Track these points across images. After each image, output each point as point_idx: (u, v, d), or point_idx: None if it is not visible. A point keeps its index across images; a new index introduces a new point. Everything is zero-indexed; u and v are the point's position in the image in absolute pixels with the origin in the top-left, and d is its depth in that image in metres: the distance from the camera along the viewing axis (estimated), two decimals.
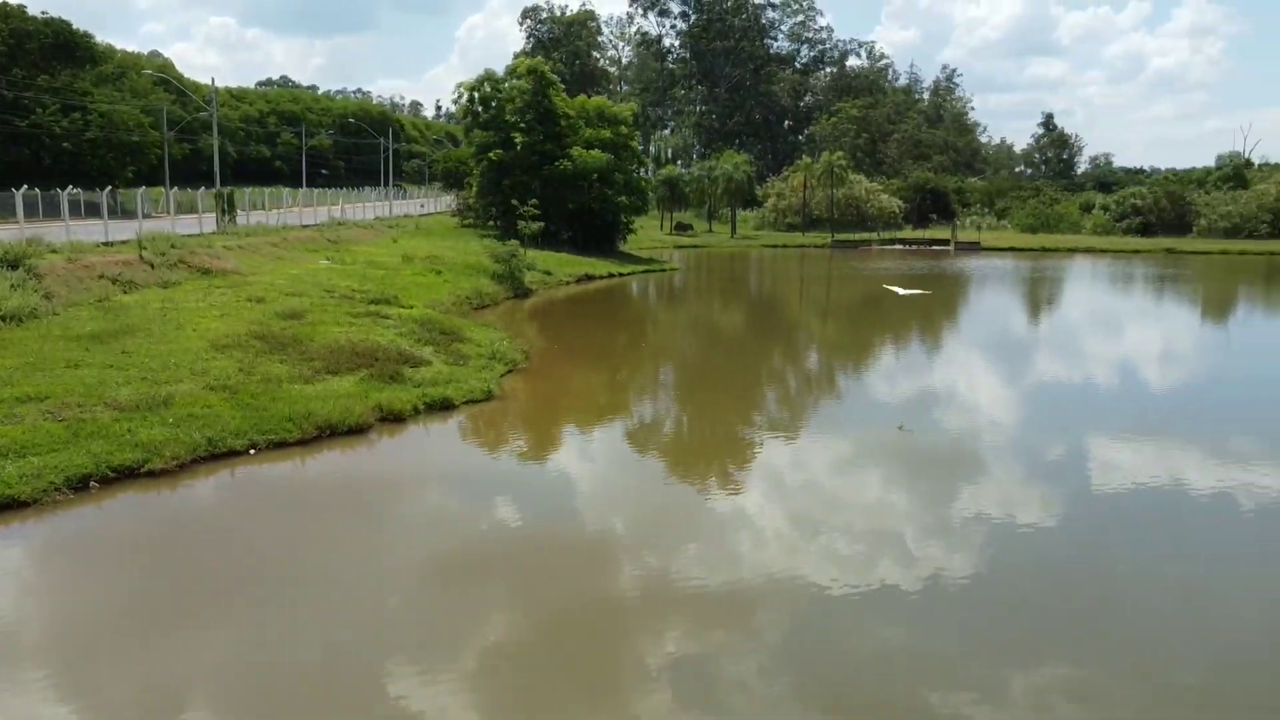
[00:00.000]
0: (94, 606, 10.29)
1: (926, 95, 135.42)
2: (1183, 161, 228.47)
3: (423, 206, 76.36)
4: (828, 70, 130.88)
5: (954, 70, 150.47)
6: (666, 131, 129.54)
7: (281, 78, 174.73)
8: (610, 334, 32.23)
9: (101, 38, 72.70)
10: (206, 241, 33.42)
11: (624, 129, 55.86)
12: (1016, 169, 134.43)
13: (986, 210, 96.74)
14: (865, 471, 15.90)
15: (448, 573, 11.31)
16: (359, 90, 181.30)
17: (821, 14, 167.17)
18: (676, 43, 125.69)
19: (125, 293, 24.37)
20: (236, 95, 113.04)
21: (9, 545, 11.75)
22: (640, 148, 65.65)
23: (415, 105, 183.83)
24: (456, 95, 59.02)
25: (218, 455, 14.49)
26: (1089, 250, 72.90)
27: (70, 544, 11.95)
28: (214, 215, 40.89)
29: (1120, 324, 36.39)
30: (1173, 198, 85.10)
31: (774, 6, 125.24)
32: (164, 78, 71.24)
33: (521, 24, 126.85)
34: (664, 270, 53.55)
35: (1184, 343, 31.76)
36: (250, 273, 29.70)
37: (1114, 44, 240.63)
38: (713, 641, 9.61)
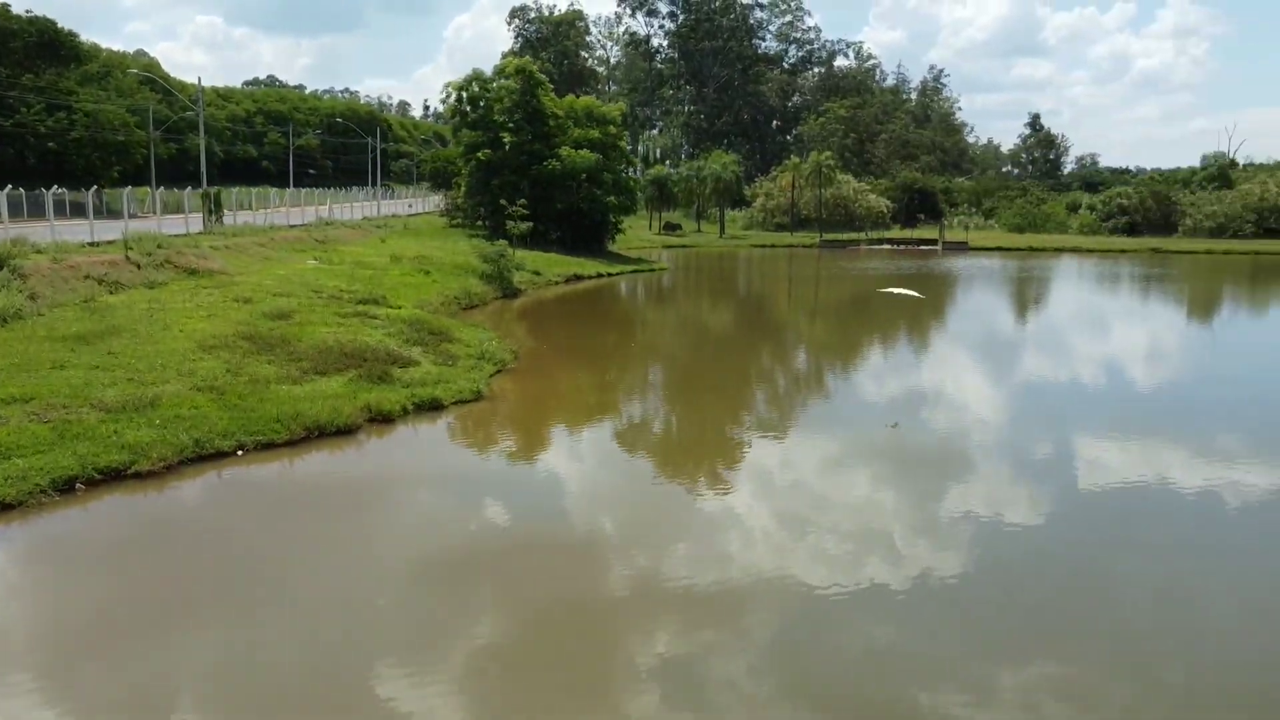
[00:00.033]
0: (81, 609, 10.23)
1: (914, 95, 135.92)
2: (1168, 162, 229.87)
3: (411, 206, 76.17)
4: (816, 70, 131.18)
5: (941, 71, 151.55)
6: (655, 131, 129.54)
7: (269, 77, 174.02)
8: (599, 334, 32.22)
9: (86, 36, 72.49)
10: (193, 242, 33.26)
11: (612, 129, 55.84)
12: (1003, 169, 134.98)
13: (974, 210, 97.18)
14: (854, 471, 15.94)
15: (437, 574, 11.29)
16: (346, 90, 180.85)
17: (809, 14, 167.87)
18: (665, 43, 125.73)
19: (111, 293, 24.24)
20: (223, 95, 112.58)
21: None
22: (629, 148, 65.66)
23: (403, 105, 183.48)
24: (445, 95, 58.96)
25: (205, 456, 14.42)
26: (1076, 250, 73.30)
27: (56, 546, 11.88)
28: (200, 215, 40.68)
29: (1107, 324, 36.60)
30: (1158, 198, 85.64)
31: (762, 7, 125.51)
32: (150, 77, 70.89)
33: (510, 24, 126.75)
34: (653, 270, 53.57)
35: (1170, 342, 31.96)
36: (237, 273, 29.57)
37: (1099, 45, 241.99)
38: (702, 641, 9.62)
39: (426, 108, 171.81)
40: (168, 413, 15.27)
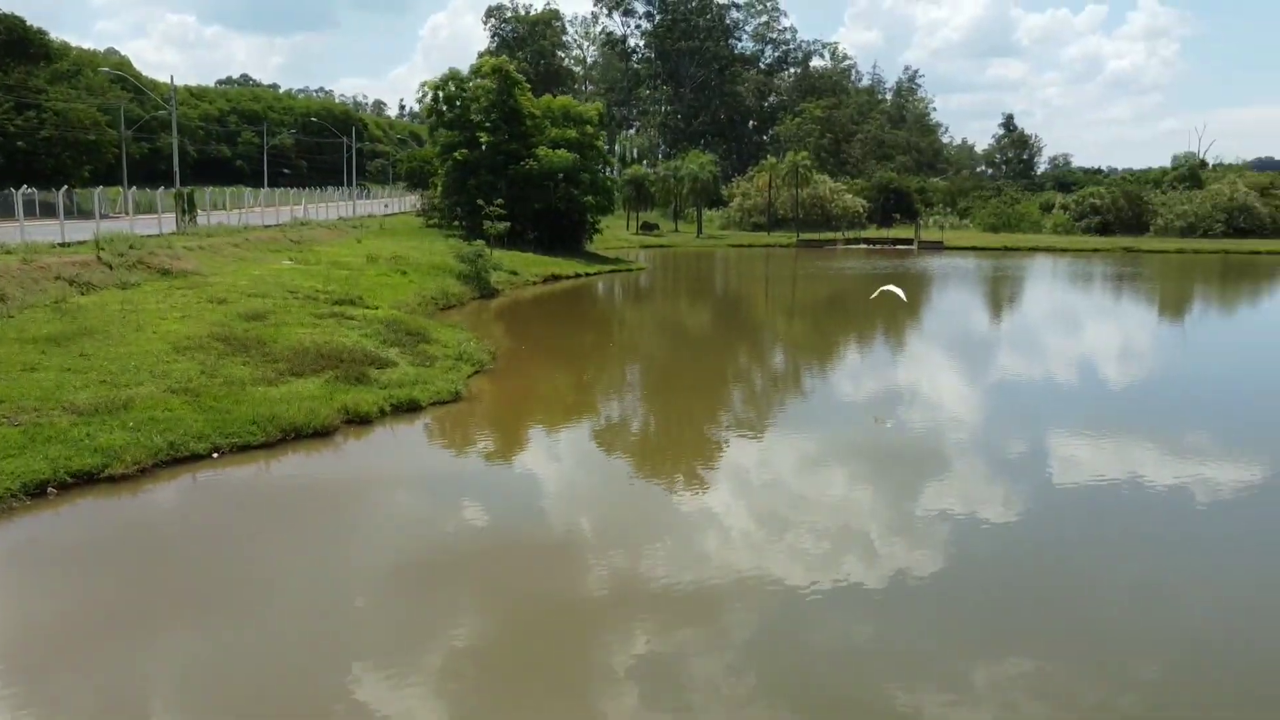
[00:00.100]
0: (52, 614, 10.10)
1: (889, 96, 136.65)
2: (1139, 162, 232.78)
3: (387, 206, 75.79)
4: (792, 71, 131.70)
5: (916, 71, 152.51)
6: (632, 131, 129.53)
7: (242, 76, 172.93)
8: (577, 334, 32.19)
9: (56, 34, 71.56)
10: (166, 242, 32.94)
11: (590, 129, 55.79)
12: (978, 169, 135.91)
13: (949, 210, 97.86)
14: (831, 469, 16.02)
15: (414, 575, 11.25)
16: (321, 89, 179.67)
17: (785, 15, 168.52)
18: (641, 43, 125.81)
19: (83, 294, 23.95)
20: (196, 94, 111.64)
21: None
22: (606, 147, 65.61)
23: (379, 104, 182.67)
24: (421, 94, 58.64)
25: (180, 459, 14.28)
26: (1050, 249, 74.02)
27: (28, 551, 11.73)
28: (174, 215, 40.29)
29: (1082, 323, 36.99)
30: (1130, 197, 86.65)
31: (738, 7, 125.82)
32: (121, 75, 70.10)
33: (486, 23, 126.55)
34: (630, 270, 53.59)
35: (1143, 341, 32.34)
36: (211, 273, 29.31)
37: (1072, 46, 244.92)
38: (681, 640, 9.64)
39: (402, 107, 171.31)
40: (141, 415, 15.11)
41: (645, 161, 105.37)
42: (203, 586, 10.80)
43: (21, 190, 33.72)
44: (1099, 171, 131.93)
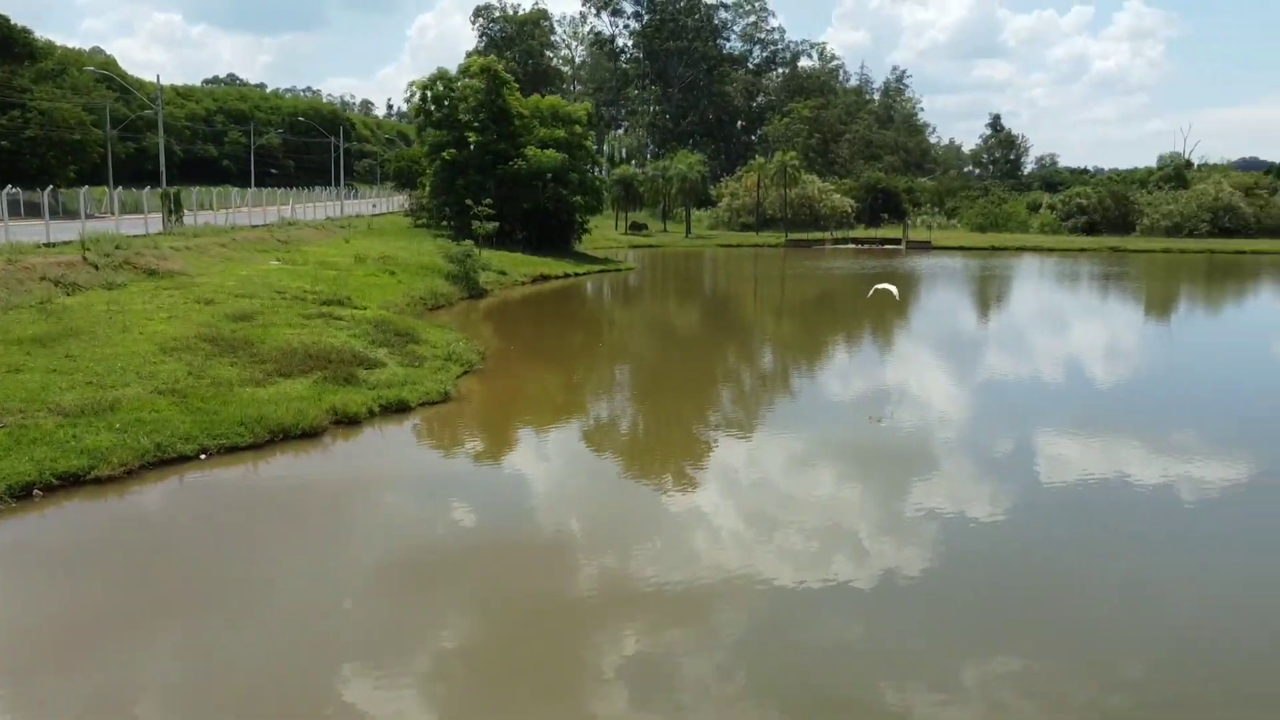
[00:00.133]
0: (39, 616, 10.04)
1: (877, 96, 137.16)
2: (1125, 162, 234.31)
3: (375, 206, 75.58)
4: (780, 71, 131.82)
5: (903, 71, 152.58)
6: (620, 131, 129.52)
7: (229, 75, 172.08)
8: (567, 334, 32.17)
9: (41, 33, 71.07)
10: (153, 242, 32.75)
11: (578, 128, 55.74)
12: (965, 169, 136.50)
13: (937, 210, 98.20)
14: (820, 469, 16.04)
15: (404, 576, 11.21)
16: (309, 89, 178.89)
17: (774, 15, 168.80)
18: (630, 42, 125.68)
19: (68, 295, 23.80)
20: (182, 93, 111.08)
21: None
22: (594, 147, 65.59)
23: (366, 104, 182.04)
24: (409, 94, 58.77)
25: (167, 461, 14.19)
26: (1037, 249, 74.39)
27: (14, 554, 11.65)
28: (160, 215, 40.07)
29: (1070, 322, 37.18)
30: (1116, 197, 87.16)
31: (726, 7, 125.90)
32: (106, 74, 69.69)
33: (474, 23, 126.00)
34: (619, 270, 53.57)
35: (1129, 340, 32.51)
36: (198, 274, 29.16)
37: (1058, 47, 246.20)
38: (671, 640, 9.64)
39: (390, 107, 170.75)
40: (128, 416, 15.02)
41: (634, 161, 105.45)
42: (190, 589, 10.75)
43: (6, 190, 33.44)
44: (1085, 171, 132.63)
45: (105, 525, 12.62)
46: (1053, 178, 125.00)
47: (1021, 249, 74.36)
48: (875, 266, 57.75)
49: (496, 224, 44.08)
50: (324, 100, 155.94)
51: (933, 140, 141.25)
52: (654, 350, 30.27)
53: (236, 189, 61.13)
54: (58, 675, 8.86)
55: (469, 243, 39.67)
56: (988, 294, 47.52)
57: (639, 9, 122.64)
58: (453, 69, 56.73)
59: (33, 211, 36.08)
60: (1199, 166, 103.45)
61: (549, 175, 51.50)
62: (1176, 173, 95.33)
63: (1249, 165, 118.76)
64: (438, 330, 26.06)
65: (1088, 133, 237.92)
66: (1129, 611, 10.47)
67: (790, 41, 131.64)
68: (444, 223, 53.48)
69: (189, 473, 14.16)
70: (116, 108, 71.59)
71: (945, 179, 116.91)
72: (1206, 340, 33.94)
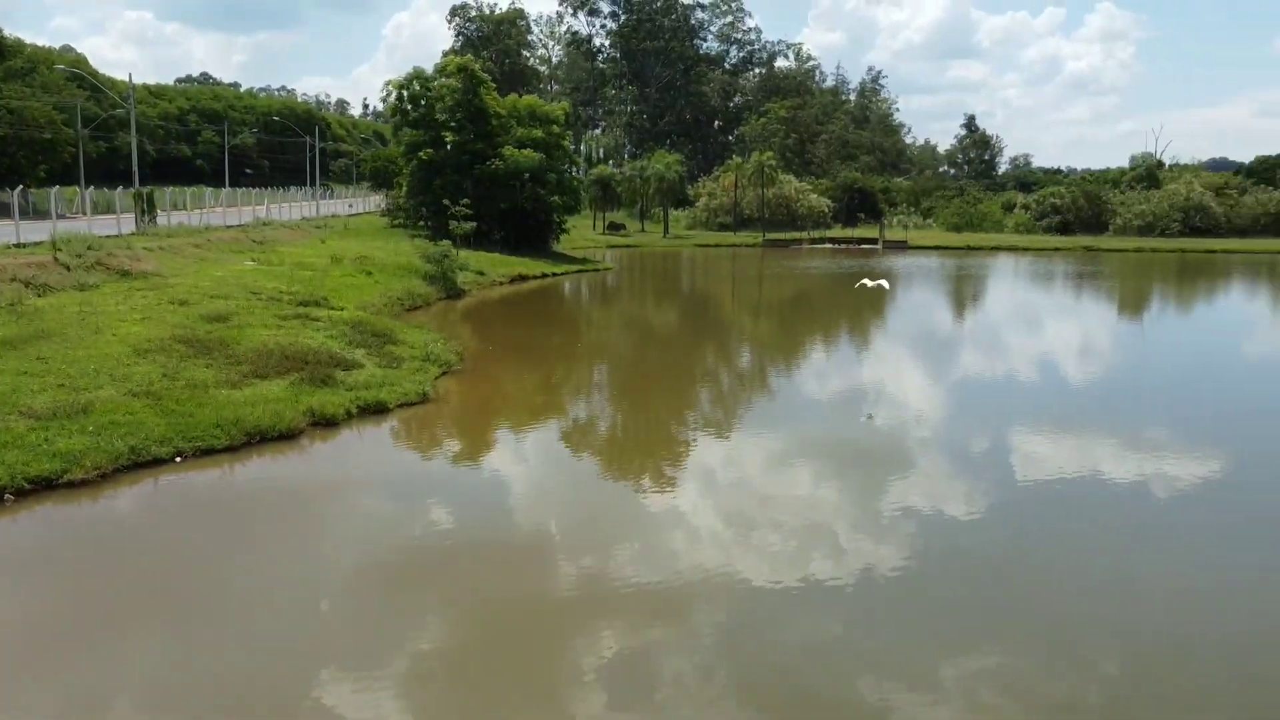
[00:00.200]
0: (12, 621, 9.90)
1: (853, 96, 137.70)
2: (1098, 162, 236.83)
3: (351, 206, 75.13)
4: (756, 71, 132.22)
5: (879, 72, 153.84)
6: (598, 131, 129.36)
7: (202, 74, 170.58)
8: (545, 334, 32.11)
9: (10, 31, 70.34)
10: (126, 243, 32.39)
11: (556, 128, 55.62)
12: (940, 169, 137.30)
13: (913, 210, 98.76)
14: (798, 467, 16.10)
15: (382, 578, 11.15)
16: (283, 88, 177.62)
17: (750, 15, 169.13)
18: (607, 42, 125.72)
19: (39, 296, 23.48)
20: (155, 92, 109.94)
21: None
22: (572, 147, 65.49)
23: (342, 103, 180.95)
24: (385, 93, 58.12)
25: (141, 464, 14.04)
26: (1012, 249, 74.97)
27: None
28: (133, 215, 39.65)
29: (1045, 321, 37.51)
30: (1090, 197, 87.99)
31: (703, 7, 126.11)
32: (77, 73, 68.90)
33: (450, 22, 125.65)
34: (598, 270, 53.55)
35: (1103, 338, 32.83)
36: (172, 275, 28.87)
37: (1031, 48, 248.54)
38: (650, 640, 9.65)
39: (366, 106, 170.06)
40: (101, 419, 14.84)
41: (611, 161, 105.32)
42: (165, 593, 10.64)
43: None
44: (1059, 172, 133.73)
45: (79, 529, 12.47)
46: (1027, 178, 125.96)
47: (997, 248, 74.94)
48: (852, 266, 58.01)
49: (474, 224, 43.97)
50: (299, 100, 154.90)
51: (908, 140, 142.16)
52: (633, 350, 30.28)
53: (211, 189, 60.61)
54: (30, 680, 8.76)
55: (446, 243, 39.54)
56: (964, 293, 47.87)
57: (616, 9, 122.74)
58: (429, 68, 56.50)
59: (2, 212, 35.69)
60: (1170, 167, 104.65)
61: (527, 175, 51.39)
62: (1148, 173, 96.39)
63: (1219, 165, 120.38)
64: (415, 331, 25.94)
65: (1061, 133, 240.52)
66: (1105, 607, 10.57)
67: (767, 42, 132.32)
68: (421, 223, 53.23)
69: (164, 476, 14.02)
70: (88, 107, 70.78)
71: (921, 179, 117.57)
72: (1179, 338, 34.35)
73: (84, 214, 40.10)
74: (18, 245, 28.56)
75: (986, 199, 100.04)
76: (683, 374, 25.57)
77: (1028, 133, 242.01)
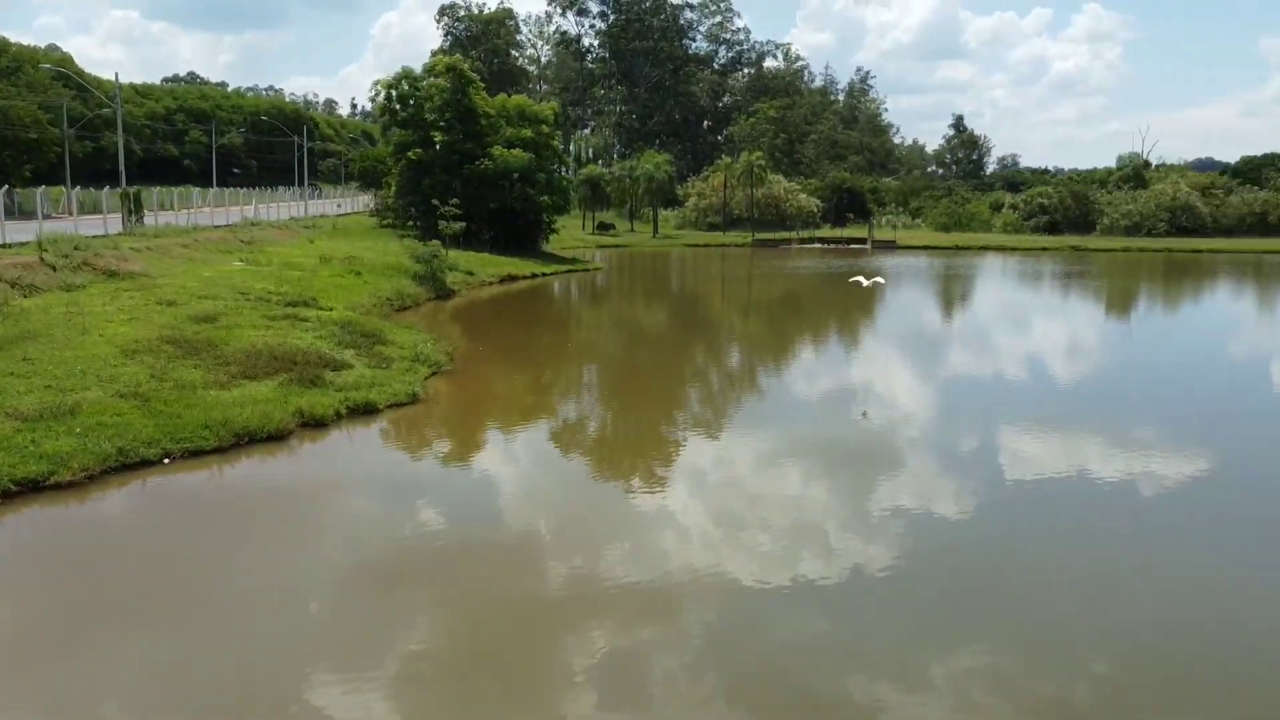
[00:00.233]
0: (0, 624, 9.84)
1: (841, 97, 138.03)
2: (1085, 162, 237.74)
3: (339, 206, 74.89)
4: (745, 71, 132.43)
5: (868, 72, 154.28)
6: (587, 131, 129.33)
7: (189, 74, 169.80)
8: (535, 334, 32.07)
9: None
10: (112, 243, 32.22)
11: (545, 128, 55.59)
12: (929, 169, 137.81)
13: (901, 210, 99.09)
14: (788, 467, 16.12)
15: (372, 579, 11.12)
16: (271, 88, 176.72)
17: (739, 16, 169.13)
18: (595, 42, 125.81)
19: (25, 297, 23.33)
20: (141, 91, 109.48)
21: None
22: (561, 147, 65.46)
23: (330, 103, 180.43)
24: (373, 93, 58.02)
25: (130, 465, 13.97)
26: (1000, 248, 75.30)
27: None
28: (120, 216, 39.41)
29: (1031, 320, 37.66)
30: (1077, 197, 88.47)
31: (692, 7, 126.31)
32: (63, 72, 68.45)
33: (438, 21, 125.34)
34: (587, 270, 53.53)
35: (1091, 337, 32.98)
36: (160, 275, 28.73)
37: (1018, 48, 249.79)
38: (641, 639, 9.66)
39: (354, 106, 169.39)
40: (89, 421, 14.75)
41: (600, 161, 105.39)
42: (154, 594, 10.59)
43: None
44: (1046, 172, 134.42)
45: (66, 531, 12.40)
46: (1014, 178, 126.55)
47: (985, 248, 75.23)
48: (842, 266, 58.14)
49: (463, 224, 43.86)
50: (287, 99, 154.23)
51: (897, 140, 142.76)
52: (623, 350, 30.27)
53: (198, 189, 60.39)
54: (19, 683, 8.71)
55: (436, 243, 39.44)
56: (953, 293, 48.03)
57: (605, 9, 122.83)
58: (417, 68, 56.41)
59: None
60: (1157, 167, 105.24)
61: (516, 175, 51.33)
62: (1135, 173, 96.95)
63: (1205, 165, 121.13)
64: (405, 331, 25.88)
65: (1048, 133, 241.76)
66: (1093, 605, 10.62)
67: (756, 42, 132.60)
68: (410, 223, 53.12)
69: (152, 477, 13.95)
70: (74, 106, 70.35)
71: (909, 179, 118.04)
72: (1166, 337, 34.53)
73: (70, 214, 39.91)
74: (4, 246, 28.40)
75: (974, 199, 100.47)
76: (672, 374, 25.58)
77: (1015, 133, 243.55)
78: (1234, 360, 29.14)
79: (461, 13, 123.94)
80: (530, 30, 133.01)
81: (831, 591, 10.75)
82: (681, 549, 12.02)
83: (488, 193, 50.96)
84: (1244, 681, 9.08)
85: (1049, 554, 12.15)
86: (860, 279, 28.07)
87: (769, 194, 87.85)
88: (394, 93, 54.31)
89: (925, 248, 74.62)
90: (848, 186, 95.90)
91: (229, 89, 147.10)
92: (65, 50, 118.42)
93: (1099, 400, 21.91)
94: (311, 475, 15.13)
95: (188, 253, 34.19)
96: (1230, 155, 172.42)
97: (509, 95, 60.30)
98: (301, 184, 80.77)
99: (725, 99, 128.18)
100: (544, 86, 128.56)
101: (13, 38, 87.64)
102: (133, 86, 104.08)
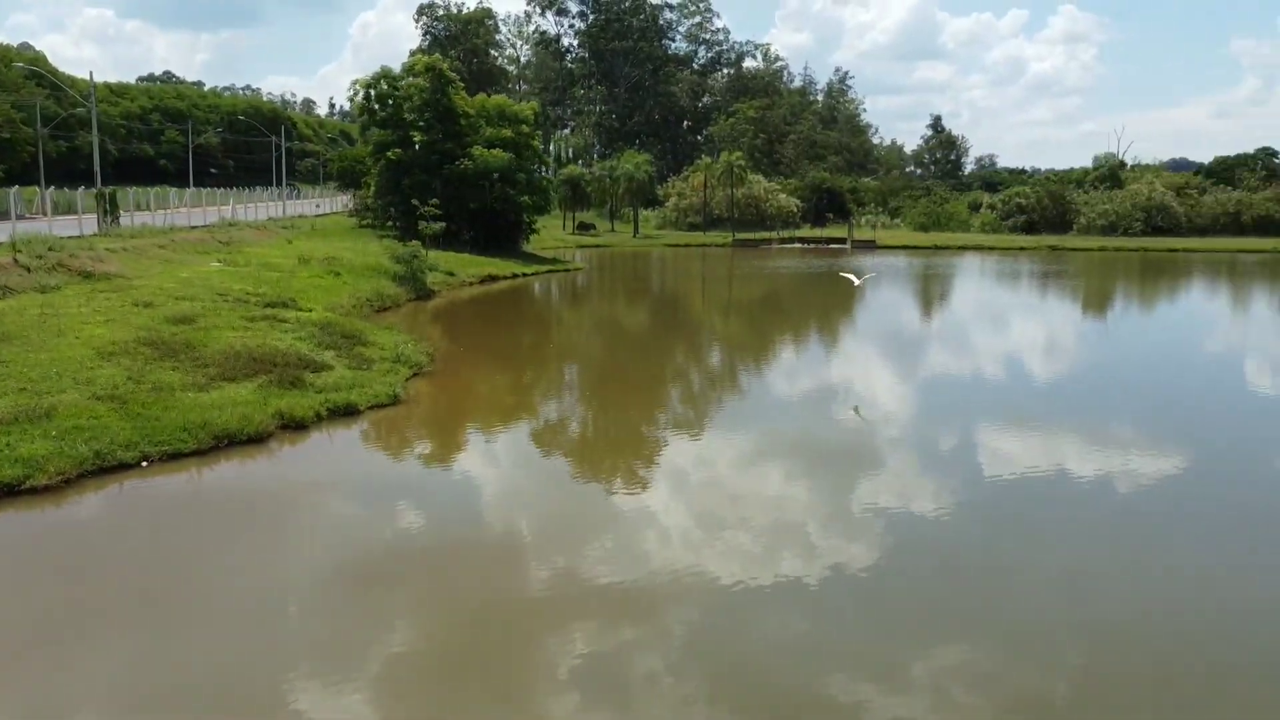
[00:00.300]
0: None
1: (820, 97, 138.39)
2: (1061, 162, 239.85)
3: (318, 206, 74.46)
4: (725, 71, 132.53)
5: (846, 73, 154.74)
6: (567, 131, 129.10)
7: (165, 73, 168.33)
8: (516, 335, 32.02)
9: None
10: (88, 244, 31.88)
11: (525, 128, 55.44)
12: (907, 169, 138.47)
13: (880, 210, 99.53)
14: (769, 466, 16.18)
15: (352, 582, 11.07)
16: (248, 87, 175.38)
17: (718, 16, 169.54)
18: (575, 42, 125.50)
19: None
20: (116, 91, 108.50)
21: None
22: (541, 147, 65.33)
23: (308, 103, 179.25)
24: (352, 93, 57.62)
25: (107, 469, 13.83)
26: (978, 248, 75.76)
27: None
28: (95, 216, 38.99)
29: (1010, 319, 37.94)
30: (1054, 197, 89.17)
31: (671, 8, 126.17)
32: (36, 71, 67.73)
33: (417, 21, 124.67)
34: (568, 270, 53.47)
35: (1068, 336, 33.27)
36: (136, 276, 28.47)
37: (995, 49, 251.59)
38: (623, 640, 9.66)
39: (332, 106, 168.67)
40: (65, 424, 14.60)
41: (581, 161, 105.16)
42: (131, 598, 10.51)
43: None
44: (1023, 172, 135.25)
45: (42, 535, 12.28)
46: (992, 178, 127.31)
47: (964, 248, 75.69)
48: (822, 266, 58.40)
49: (443, 224, 43.73)
50: (264, 99, 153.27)
51: (875, 141, 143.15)
52: (604, 350, 30.27)
53: (175, 189, 59.81)
54: None
55: (416, 243, 39.27)
56: (933, 292, 48.30)
57: (584, 8, 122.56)
58: (396, 67, 56.14)
59: None
60: (1132, 167, 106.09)
61: (496, 175, 51.19)
62: (1111, 173, 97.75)
63: (1179, 166, 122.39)
64: (385, 332, 25.77)
65: (1025, 133, 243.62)
66: (1073, 601, 10.72)
67: (735, 42, 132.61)
68: (389, 223, 52.86)
69: (130, 481, 13.83)
70: (47, 105, 69.56)
71: (888, 179, 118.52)
72: (1143, 336, 34.86)
73: (44, 214, 39.45)
74: None
75: (953, 199, 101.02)
76: (654, 374, 25.60)
77: (993, 133, 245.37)
78: (1210, 358, 29.47)
79: (440, 12, 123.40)
80: (509, 30, 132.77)
81: (813, 590, 10.80)
82: (663, 549, 12.04)
83: (468, 193, 50.81)
84: (1224, 675, 9.19)
85: (1029, 551, 12.25)
86: (852, 276, 28.22)
87: (749, 194, 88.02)
88: (373, 92, 54.04)
89: (905, 247, 74.98)
90: (827, 186, 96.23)
91: (205, 88, 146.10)
92: (39, 49, 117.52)
93: (1077, 398, 22.10)
94: (292, 477, 15.04)
95: (164, 253, 33.89)
96: (1203, 155, 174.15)
97: (488, 95, 60.12)
98: (280, 184, 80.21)
99: (705, 99, 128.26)
100: (524, 86, 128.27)
101: None
102: (107, 86, 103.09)
